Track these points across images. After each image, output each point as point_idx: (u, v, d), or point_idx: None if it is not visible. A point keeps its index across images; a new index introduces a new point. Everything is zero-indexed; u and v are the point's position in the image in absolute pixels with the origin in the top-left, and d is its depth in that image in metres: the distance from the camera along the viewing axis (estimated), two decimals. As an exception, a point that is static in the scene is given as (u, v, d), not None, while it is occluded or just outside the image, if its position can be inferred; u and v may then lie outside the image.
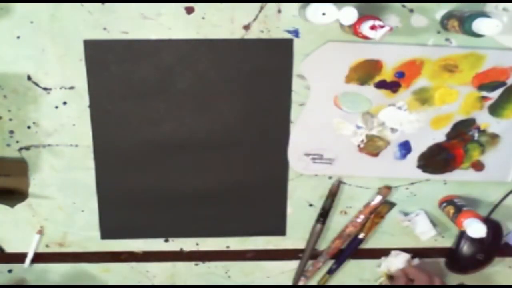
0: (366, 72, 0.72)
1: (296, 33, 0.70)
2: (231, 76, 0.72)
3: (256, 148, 0.76)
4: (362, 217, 0.80)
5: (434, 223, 0.81)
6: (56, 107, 0.73)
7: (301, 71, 0.72)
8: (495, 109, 0.75)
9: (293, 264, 0.83)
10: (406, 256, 0.83)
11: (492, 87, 0.74)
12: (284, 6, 0.69)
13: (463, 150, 0.77)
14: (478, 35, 0.63)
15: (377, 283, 0.86)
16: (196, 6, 0.69)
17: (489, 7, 0.70)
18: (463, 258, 0.81)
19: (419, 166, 0.78)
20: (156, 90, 0.72)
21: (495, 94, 0.74)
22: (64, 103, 0.72)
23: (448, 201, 0.78)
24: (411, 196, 0.80)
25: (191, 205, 0.79)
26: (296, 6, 0.69)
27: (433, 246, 0.83)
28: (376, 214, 0.80)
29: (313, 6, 0.62)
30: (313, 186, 0.79)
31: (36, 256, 0.80)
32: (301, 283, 0.84)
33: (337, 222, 0.81)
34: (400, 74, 0.72)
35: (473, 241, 0.80)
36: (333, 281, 0.85)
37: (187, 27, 0.70)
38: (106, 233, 0.80)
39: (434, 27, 0.70)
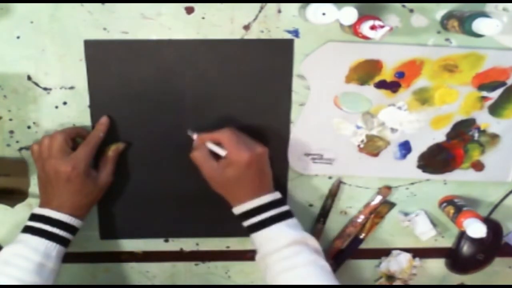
0: (366, 72, 0.72)
1: (296, 33, 0.70)
2: (231, 76, 0.72)
3: (256, 148, 0.76)
4: (362, 217, 0.80)
5: (434, 223, 0.81)
6: (56, 107, 0.73)
7: (301, 71, 0.72)
8: (495, 109, 0.75)
9: (293, 264, 0.83)
10: (406, 256, 0.83)
11: (492, 87, 0.74)
12: (284, 6, 0.69)
13: (463, 150, 0.77)
14: (478, 35, 0.63)
15: (377, 283, 0.86)
16: (196, 6, 0.69)
17: (489, 7, 0.70)
18: (463, 258, 0.81)
19: (419, 166, 0.78)
20: (156, 90, 0.72)
21: (495, 94, 0.74)
22: (64, 103, 0.72)
23: (448, 201, 0.78)
24: (411, 196, 0.80)
25: (191, 205, 0.79)
26: (296, 6, 0.69)
27: (433, 246, 0.83)
28: (376, 214, 0.80)
29: (313, 6, 0.62)
30: (313, 186, 0.79)
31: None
32: (301, 283, 0.84)
33: (337, 222, 0.81)
34: (400, 74, 0.72)
35: (473, 241, 0.80)
36: (333, 281, 0.85)
37: (187, 27, 0.70)
38: (106, 233, 0.80)
39: (434, 27, 0.70)
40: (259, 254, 0.69)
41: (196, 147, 0.71)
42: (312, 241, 0.68)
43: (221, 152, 0.69)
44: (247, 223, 0.70)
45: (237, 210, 0.70)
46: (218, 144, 0.70)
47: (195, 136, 0.72)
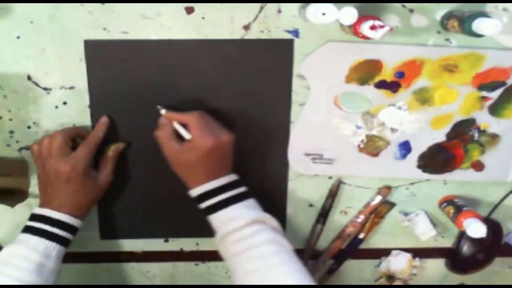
0: (366, 72, 0.72)
1: (296, 33, 0.70)
2: (231, 76, 0.72)
3: (256, 148, 0.76)
4: (362, 217, 0.80)
5: (434, 223, 0.81)
6: (56, 107, 0.73)
7: (301, 71, 0.72)
8: (495, 109, 0.75)
9: (293, 264, 0.83)
10: (406, 256, 0.83)
11: (492, 87, 0.74)
12: (284, 6, 0.69)
13: (463, 150, 0.77)
14: (478, 35, 0.63)
15: (377, 283, 0.86)
16: (196, 6, 0.69)
17: (489, 7, 0.70)
18: (463, 258, 0.81)
19: (419, 166, 0.78)
20: (156, 90, 0.72)
21: (495, 94, 0.74)
22: (64, 103, 0.72)
23: (448, 201, 0.78)
24: (411, 196, 0.80)
25: (191, 205, 0.78)
26: (296, 6, 0.69)
27: (433, 246, 0.83)
28: (376, 214, 0.80)
29: (313, 6, 0.62)
30: (313, 186, 0.79)
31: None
32: (301, 283, 0.84)
33: (337, 222, 0.81)
34: (400, 74, 0.72)
35: (473, 241, 0.80)
36: (333, 281, 0.85)
37: (187, 27, 0.70)
38: (106, 233, 0.80)
39: (434, 27, 0.70)
40: (218, 235, 0.68)
41: (161, 125, 0.70)
42: (271, 221, 0.68)
43: (186, 135, 0.69)
44: (204, 204, 0.69)
45: (194, 192, 0.70)
46: (185, 126, 0.69)
47: (163, 112, 0.70)
